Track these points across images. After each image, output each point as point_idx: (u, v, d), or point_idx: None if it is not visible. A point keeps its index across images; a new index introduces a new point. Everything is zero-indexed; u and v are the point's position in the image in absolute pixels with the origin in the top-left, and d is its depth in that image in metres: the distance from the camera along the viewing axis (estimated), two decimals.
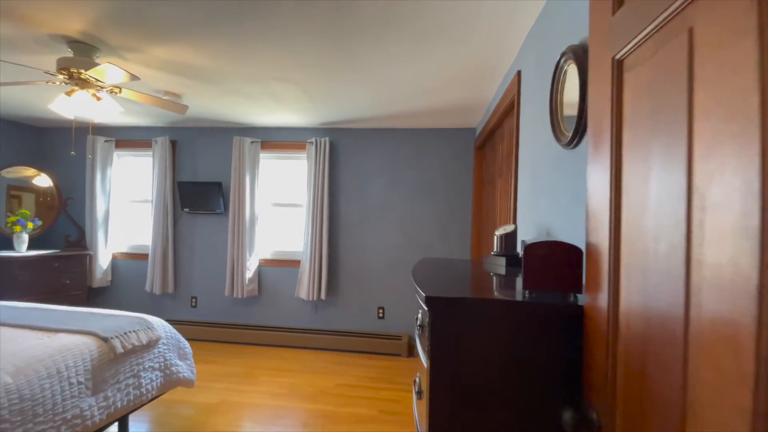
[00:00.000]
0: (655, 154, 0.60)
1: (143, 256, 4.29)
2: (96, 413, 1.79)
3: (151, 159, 4.25)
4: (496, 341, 0.87)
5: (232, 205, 4.00)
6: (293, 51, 2.32)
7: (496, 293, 1.00)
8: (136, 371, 2.04)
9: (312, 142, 3.92)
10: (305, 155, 4.10)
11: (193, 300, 4.25)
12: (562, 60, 1.32)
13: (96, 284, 4.20)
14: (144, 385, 2.07)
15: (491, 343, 0.88)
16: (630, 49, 0.68)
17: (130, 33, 2.13)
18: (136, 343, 2.05)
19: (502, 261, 1.46)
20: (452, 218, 3.94)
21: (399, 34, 2.08)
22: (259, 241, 4.10)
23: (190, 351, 2.45)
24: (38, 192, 4.24)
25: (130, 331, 2.07)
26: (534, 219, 1.76)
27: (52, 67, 2.47)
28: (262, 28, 2.07)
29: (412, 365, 3.62)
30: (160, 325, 2.30)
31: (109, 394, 1.88)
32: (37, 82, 2.36)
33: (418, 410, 1.08)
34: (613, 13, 0.74)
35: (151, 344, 2.16)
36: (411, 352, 3.90)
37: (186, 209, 4.15)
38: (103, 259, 4.23)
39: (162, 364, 2.22)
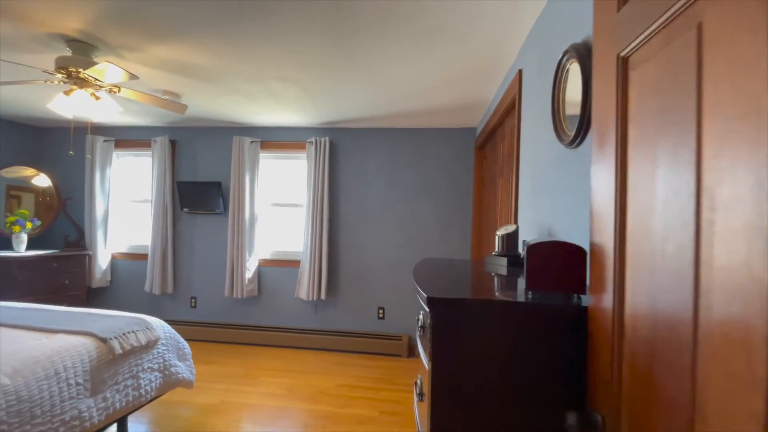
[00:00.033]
0: (663, 153, 0.59)
1: (142, 257, 4.28)
2: (95, 414, 1.78)
3: (150, 159, 4.23)
4: (498, 343, 0.86)
5: (232, 205, 3.99)
6: (293, 50, 2.31)
7: (498, 294, 0.99)
8: (135, 372, 2.03)
9: (312, 142, 3.91)
10: (305, 155, 4.09)
11: (193, 300, 4.24)
12: (565, 58, 1.31)
13: (95, 284, 4.19)
14: (143, 386, 2.06)
15: (494, 345, 0.86)
16: (636, 46, 0.67)
17: (129, 32, 2.11)
18: (135, 344, 2.04)
19: (504, 261, 1.45)
20: (452, 218, 3.93)
21: (399, 33, 2.07)
22: (258, 241, 4.09)
23: (190, 351, 2.44)
24: (37, 192, 4.23)
25: (129, 332, 2.05)
26: (535, 219, 1.75)
27: (51, 66, 2.45)
28: (262, 28, 2.05)
29: (413, 366, 3.61)
30: (159, 325, 2.29)
31: (108, 395, 1.87)
32: (35, 82, 2.35)
33: (419, 412, 1.07)
34: (618, 9, 0.73)
35: (150, 345, 2.15)
36: (411, 352, 3.89)
37: (185, 209, 4.14)
38: (102, 260, 4.22)
39: (161, 364, 2.21)
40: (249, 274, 4.01)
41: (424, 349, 1.00)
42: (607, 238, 0.74)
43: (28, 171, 4.17)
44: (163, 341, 2.26)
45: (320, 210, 3.89)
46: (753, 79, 0.44)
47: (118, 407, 1.90)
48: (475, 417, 0.87)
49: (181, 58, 2.42)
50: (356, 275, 4.04)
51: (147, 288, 4.12)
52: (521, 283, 1.15)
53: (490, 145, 3.36)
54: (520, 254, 1.51)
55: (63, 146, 4.36)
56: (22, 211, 3.92)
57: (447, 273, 1.33)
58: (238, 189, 4.00)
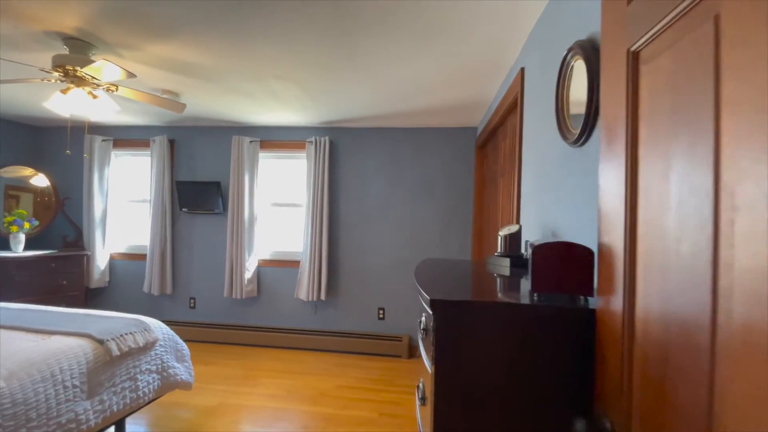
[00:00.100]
0: (677, 150, 0.57)
1: (141, 257, 4.25)
2: (91, 417, 1.76)
3: (149, 158, 4.21)
4: (503, 346, 0.84)
5: (231, 204, 3.97)
6: (293, 50, 2.29)
7: (502, 296, 0.96)
8: (132, 374, 2.00)
9: (311, 142, 3.89)
10: (305, 155, 4.06)
11: (192, 301, 4.21)
12: (569, 56, 1.29)
13: (93, 285, 4.16)
14: (141, 388, 2.04)
15: (498, 348, 0.84)
16: (647, 40, 0.65)
17: (127, 30, 2.09)
18: (133, 346, 2.01)
19: (507, 262, 1.42)
20: (453, 218, 3.91)
21: (399, 32, 2.05)
22: (258, 241, 4.06)
23: (188, 353, 2.42)
24: (36, 192, 4.20)
25: (126, 333, 2.03)
26: (538, 219, 1.72)
27: (48, 64, 2.43)
28: (262, 27, 2.03)
29: (413, 367, 3.58)
30: (157, 326, 2.26)
31: (105, 398, 1.84)
32: (32, 80, 2.32)
33: (421, 416, 1.05)
34: (628, 2, 0.71)
35: (148, 346, 2.13)
36: (412, 353, 3.86)
37: (184, 209, 4.11)
38: (100, 260, 4.19)
39: (159, 366, 2.18)
40: (248, 274, 3.98)
41: (427, 353, 0.98)
42: (616, 239, 0.71)
43: (27, 171, 4.14)
44: (162, 342, 2.23)
45: (320, 210, 3.86)
46: None
47: (115, 410, 1.88)
48: (479, 422, 0.85)
49: (179, 56, 2.40)
50: (356, 275, 4.02)
51: (146, 288, 4.10)
52: (524, 284, 1.13)
53: (491, 145, 3.34)
54: (523, 255, 1.49)
55: (61, 146, 4.34)
56: (20, 211, 3.89)
57: (449, 274, 1.30)
58: (237, 189, 3.97)
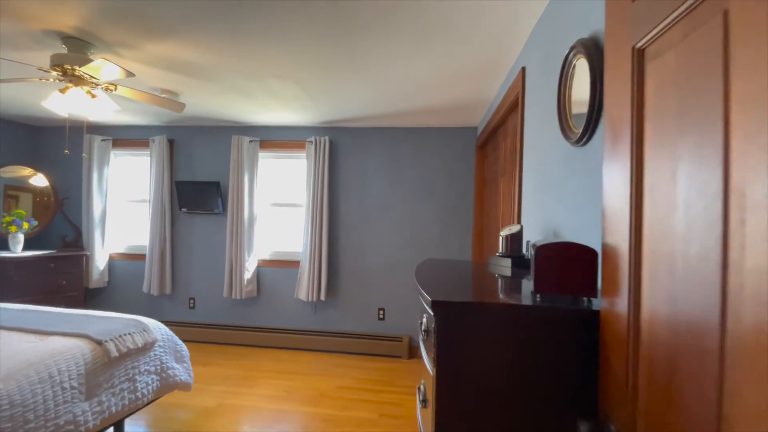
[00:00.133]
0: (684, 149, 0.55)
1: (140, 257, 4.24)
2: (90, 418, 1.75)
3: (148, 158, 4.20)
4: (506, 348, 0.83)
5: (231, 204, 3.96)
6: (293, 50, 2.28)
7: (504, 297, 0.95)
8: (131, 375, 1.99)
9: (311, 141, 3.87)
10: (304, 154, 4.05)
11: (191, 301, 4.20)
12: (571, 54, 1.28)
13: (93, 285, 4.15)
14: (140, 389, 2.03)
15: (501, 350, 0.83)
16: (653, 36, 0.64)
17: (126, 29, 2.08)
18: (132, 346, 2.00)
19: (508, 262, 1.41)
20: (453, 218, 3.89)
21: (399, 32, 2.04)
22: (258, 241, 4.05)
23: (187, 353, 2.41)
24: (35, 192, 4.19)
25: (125, 334, 2.02)
26: (540, 219, 1.71)
27: (46, 63, 2.42)
28: (262, 27, 2.03)
29: (414, 367, 3.57)
30: (156, 327, 2.25)
31: (104, 399, 1.83)
32: (30, 80, 2.31)
33: (422, 419, 1.04)
34: None
35: (147, 347, 2.11)
36: (412, 353, 3.85)
37: (184, 209, 4.10)
38: (99, 260, 4.18)
39: (158, 367, 2.17)
40: (248, 274, 3.97)
41: (428, 354, 0.97)
42: (621, 239, 0.70)
43: (26, 171, 4.13)
44: (161, 343, 2.22)
45: (320, 210, 3.85)
46: None
47: (113, 411, 1.87)
48: (481, 425, 0.84)
49: (179, 55, 2.39)
50: (356, 276, 4.01)
51: (145, 289, 4.08)
52: (526, 284, 1.12)
53: (492, 145, 3.33)
54: (524, 255, 1.48)
55: (60, 146, 4.32)
56: (19, 210, 3.88)
57: (450, 274, 1.29)
58: (237, 189, 3.96)
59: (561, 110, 1.37)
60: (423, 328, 1.03)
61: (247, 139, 3.97)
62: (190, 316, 4.19)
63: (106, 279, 4.26)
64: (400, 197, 3.96)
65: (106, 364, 1.87)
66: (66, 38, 2.16)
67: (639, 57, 0.67)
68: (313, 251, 3.83)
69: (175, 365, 2.29)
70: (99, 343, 1.88)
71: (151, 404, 2.34)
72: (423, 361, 1.08)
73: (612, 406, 0.72)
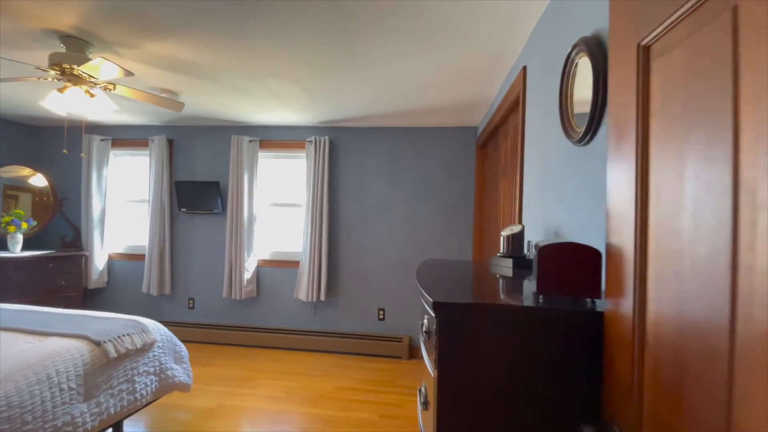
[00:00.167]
0: (692, 147, 0.54)
1: (140, 257, 4.23)
2: (88, 420, 1.74)
3: (147, 158, 4.19)
4: (508, 350, 0.82)
5: (230, 204, 3.94)
6: (293, 50, 2.27)
7: (506, 298, 0.94)
8: (130, 376, 1.98)
9: (311, 141, 3.86)
10: (304, 154, 4.04)
11: (191, 301, 4.19)
12: (574, 52, 1.27)
13: (92, 285, 4.14)
14: (138, 390, 2.01)
15: (504, 352, 0.82)
16: (659, 33, 0.62)
17: (125, 28, 2.07)
18: (130, 347, 1.99)
19: (509, 263, 1.40)
20: (453, 218, 3.88)
21: (400, 32, 2.03)
22: (257, 241, 4.04)
23: (187, 354, 2.40)
24: (35, 192, 4.17)
25: (123, 335, 2.01)
26: (541, 219, 1.70)
27: (44, 63, 2.40)
28: (262, 26, 2.02)
29: (414, 368, 3.56)
30: (155, 327, 2.24)
31: (102, 400, 1.82)
32: (28, 79, 2.30)
33: (423, 421, 1.02)
34: None
35: (146, 348, 2.10)
36: (412, 354, 3.84)
37: (183, 209, 4.09)
38: (99, 260, 4.17)
39: (157, 368, 2.16)
40: (247, 274, 3.96)
41: (429, 356, 0.96)
42: (625, 239, 0.69)
43: (25, 171, 4.12)
44: (160, 344, 2.21)
45: (320, 210, 3.84)
46: None
47: (112, 412, 1.86)
48: (484, 428, 0.82)
49: (178, 55, 2.38)
50: (356, 276, 3.99)
51: (144, 289, 4.07)
52: (528, 285, 1.11)
53: (492, 144, 3.32)
54: (526, 255, 1.47)
55: (59, 145, 4.31)
56: (18, 210, 3.87)
57: (451, 275, 1.28)
58: (236, 189, 3.95)
59: (563, 109, 1.36)
60: (424, 329, 1.02)
61: (246, 138, 3.96)
62: (189, 316, 4.18)
63: (106, 279, 4.25)
64: (400, 197, 3.95)
65: (105, 365, 1.86)
66: (64, 37, 2.15)
67: (644, 54, 0.66)
68: (313, 251, 3.82)
69: (174, 366, 2.28)
70: (98, 344, 1.87)
71: (150, 405, 2.33)
72: (423, 361, 1.07)
73: (616, 409, 0.71)
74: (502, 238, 1.51)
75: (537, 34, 1.88)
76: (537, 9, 1.78)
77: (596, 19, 1.19)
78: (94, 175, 4.14)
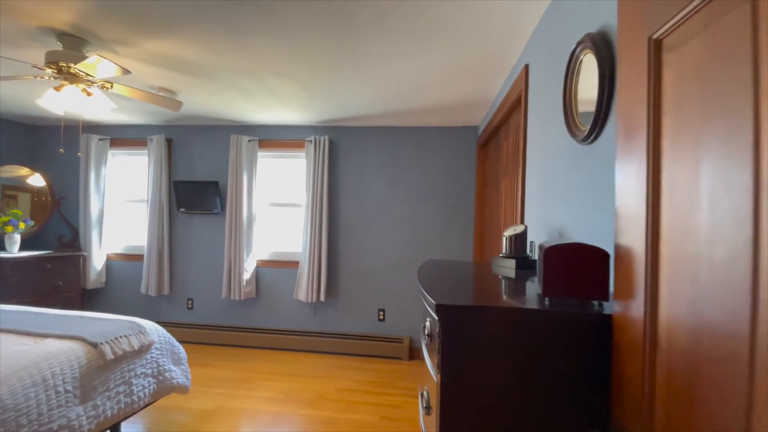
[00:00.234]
0: (709, 144, 0.52)
1: (138, 257, 4.20)
2: (84, 423, 1.71)
3: (146, 158, 4.16)
4: (513, 353, 0.79)
5: (230, 204, 3.92)
6: (294, 49, 2.25)
7: (511, 300, 0.92)
8: (127, 378, 1.96)
9: (311, 141, 3.84)
10: (304, 154, 4.02)
11: (190, 302, 4.16)
12: (578, 49, 1.25)
13: (90, 286, 4.11)
14: (136, 392, 1.99)
15: (508, 356, 0.80)
16: (671, 26, 0.60)
17: (122, 25, 2.04)
18: (128, 349, 1.96)
19: (512, 263, 1.38)
20: (454, 218, 3.86)
21: (400, 31, 2.00)
22: (256, 241, 4.01)
23: (185, 355, 2.37)
24: (33, 192, 4.15)
25: (121, 336, 1.98)
26: (544, 219, 1.68)
27: (41, 61, 2.38)
28: (262, 26, 2.00)
29: (414, 369, 3.54)
30: (153, 329, 2.21)
31: (99, 403, 1.79)
32: (24, 77, 2.27)
33: (425, 426, 1.00)
34: None
35: (144, 349, 2.08)
36: (413, 355, 3.82)
37: (182, 209, 4.06)
38: (97, 260, 4.14)
39: (155, 369, 2.13)
40: (247, 275, 3.93)
41: (432, 360, 0.93)
42: (636, 240, 0.67)
43: (23, 170, 4.09)
44: (158, 345, 2.18)
45: (319, 210, 3.81)
46: None
47: (109, 415, 1.83)
48: None
49: (176, 53, 2.35)
50: (356, 276, 3.97)
51: (143, 289, 4.04)
52: (531, 286, 1.09)
53: (494, 144, 3.29)
54: (529, 256, 1.45)
55: (57, 145, 4.28)
56: (15, 210, 3.84)
57: (453, 276, 1.26)
58: (235, 188, 3.92)
59: (567, 107, 1.34)
60: (426, 332, 0.99)
61: (246, 138, 3.94)
62: (188, 317, 4.15)
63: (104, 280, 4.22)
64: (400, 197, 3.92)
65: (102, 367, 1.84)
66: (61, 35, 2.13)
67: (656, 48, 0.64)
68: (313, 251, 3.80)
69: (173, 368, 2.26)
70: (94, 345, 1.84)
71: (147, 407, 2.31)
72: (424, 363, 1.05)
73: (626, 415, 0.68)
74: (504, 238, 1.49)
75: (539, 31, 1.85)
76: (539, 6, 1.75)
77: (602, 15, 1.17)
78: (93, 175, 4.11)
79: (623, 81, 0.73)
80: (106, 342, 1.89)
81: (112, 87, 2.39)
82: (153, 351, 2.14)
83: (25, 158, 4.22)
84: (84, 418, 1.71)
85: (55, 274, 3.79)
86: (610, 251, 0.85)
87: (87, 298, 4.24)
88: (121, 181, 4.35)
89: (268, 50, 2.28)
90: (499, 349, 0.80)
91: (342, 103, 3.24)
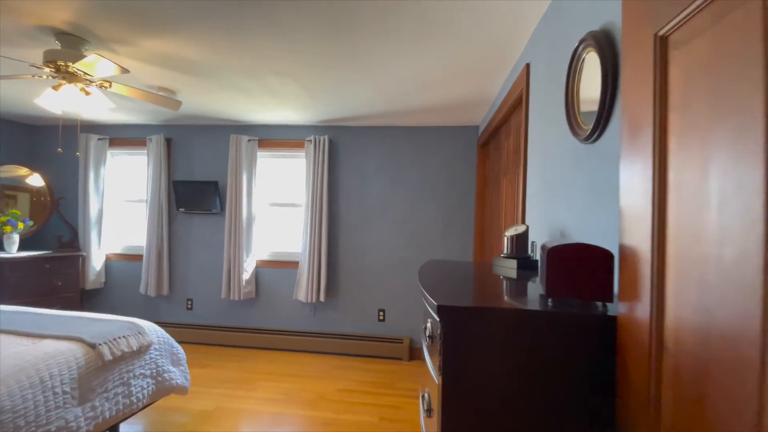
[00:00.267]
0: (718, 142, 0.51)
1: (137, 257, 4.18)
2: (83, 424, 1.70)
3: (145, 158, 4.15)
4: (516, 355, 0.78)
5: (229, 204, 3.91)
6: (294, 49, 2.24)
7: (513, 301, 0.91)
8: (126, 379, 1.94)
9: (311, 140, 3.82)
10: (304, 154, 4.00)
11: (189, 302, 4.15)
12: (581, 48, 1.23)
13: (89, 286, 4.10)
14: (134, 393, 1.98)
15: (511, 358, 0.78)
16: (678, 22, 0.59)
17: (121, 24, 2.03)
18: (126, 350, 1.95)
19: (513, 264, 1.37)
20: (454, 218, 3.85)
21: (400, 31, 1.99)
22: (256, 241, 4.00)
23: (184, 356, 2.36)
24: (32, 192, 4.13)
25: (119, 337, 1.97)
26: (546, 219, 1.67)
27: (39, 60, 2.37)
28: (261, 25, 1.99)
29: (414, 369, 3.53)
30: (151, 329, 2.20)
31: (97, 404, 1.78)
32: (22, 76, 2.26)
33: (426, 428, 0.99)
34: None
35: (142, 350, 2.07)
36: (413, 355, 3.81)
37: (181, 209, 4.05)
38: (96, 261, 4.13)
39: (154, 370, 2.12)
40: (246, 275, 3.92)
41: (433, 361, 0.92)
42: (641, 240, 0.66)
43: (22, 170, 4.07)
44: (156, 346, 2.17)
45: (319, 210, 3.80)
46: None
47: (107, 416, 1.82)
48: None
49: (175, 52, 2.34)
50: (356, 276, 3.96)
51: (142, 290, 4.03)
52: (532, 287, 1.07)
53: (494, 143, 3.28)
54: (530, 256, 1.44)
55: (56, 144, 4.27)
56: (14, 210, 3.82)
57: (454, 277, 1.25)
58: (235, 188, 3.91)
59: (569, 106, 1.33)
60: (427, 333, 0.98)
61: (245, 138, 3.92)
62: (187, 317, 4.14)
63: (103, 280, 4.20)
64: (400, 197, 3.91)
65: (100, 368, 1.82)
66: (59, 34, 2.11)
67: (662, 45, 0.63)
68: (313, 252, 3.78)
69: (172, 368, 2.25)
70: (92, 346, 1.83)
71: (146, 408, 2.29)
72: (425, 364, 1.04)
73: (631, 419, 0.67)
74: (505, 238, 1.48)
75: (540, 31, 1.84)
76: (540, 6, 1.74)
77: (604, 13, 1.16)
78: (92, 175, 4.10)
79: (628, 79, 0.72)
80: (105, 343, 1.88)
81: (110, 86, 2.38)
82: (152, 352, 2.13)
83: (24, 158, 4.21)
84: (82, 419, 1.70)
85: (54, 274, 3.77)
86: (614, 252, 0.84)
87: (86, 299, 4.23)
88: (120, 181, 4.33)
89: (268, 50, 2.27)
90: (501, 350, 0.79)
91: (342, 102, 3.23)
